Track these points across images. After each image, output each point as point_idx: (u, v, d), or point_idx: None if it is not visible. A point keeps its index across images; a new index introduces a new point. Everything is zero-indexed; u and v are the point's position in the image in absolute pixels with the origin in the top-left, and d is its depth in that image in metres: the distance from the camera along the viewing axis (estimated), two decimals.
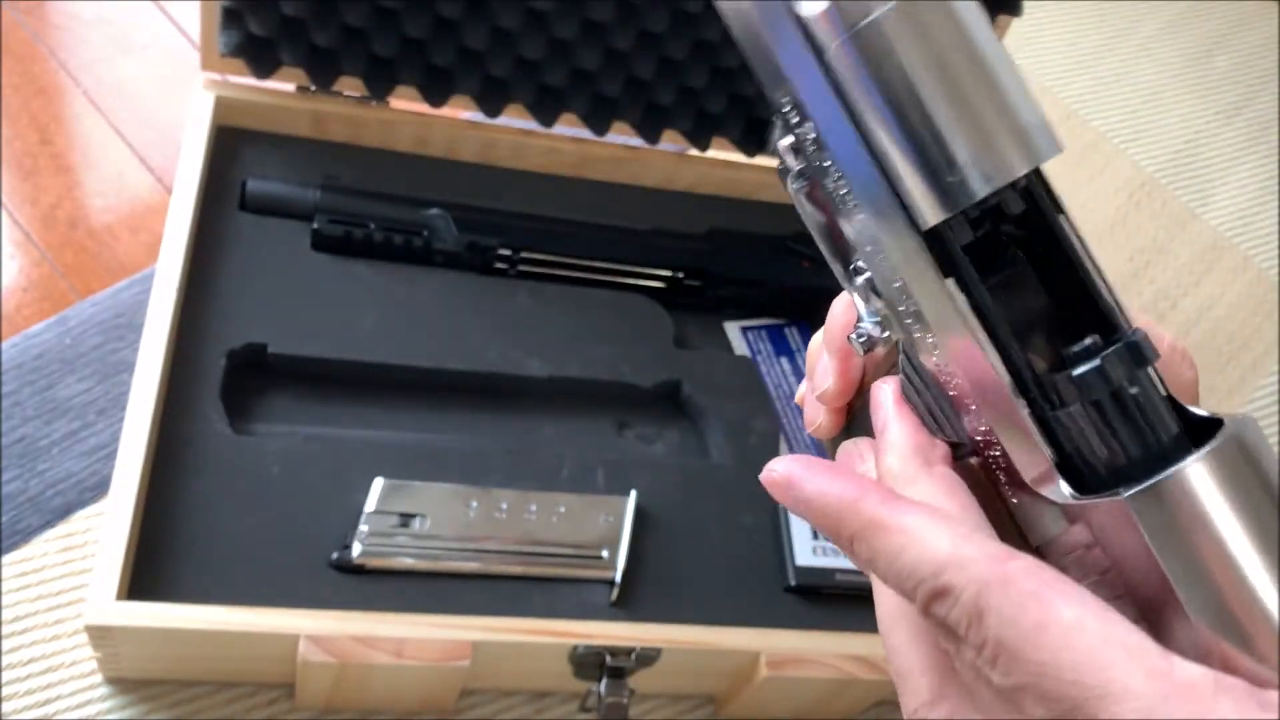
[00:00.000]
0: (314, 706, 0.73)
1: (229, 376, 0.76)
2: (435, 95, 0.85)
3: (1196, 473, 0.26)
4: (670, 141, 0.92)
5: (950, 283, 0.29)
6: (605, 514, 0.76)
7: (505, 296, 0.84)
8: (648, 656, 0.71)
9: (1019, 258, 0.30)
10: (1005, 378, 0.29)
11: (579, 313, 0.85)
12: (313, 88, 0.84)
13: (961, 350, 0.29)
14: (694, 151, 0.93)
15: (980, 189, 0.27)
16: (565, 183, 0.93)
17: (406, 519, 0.73)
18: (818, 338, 0.36)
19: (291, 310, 0.79)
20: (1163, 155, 1.32)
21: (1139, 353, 0.28)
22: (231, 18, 0.80)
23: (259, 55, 0.81)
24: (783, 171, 0.31)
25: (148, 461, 0.69)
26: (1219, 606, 0.26)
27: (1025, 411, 0.29)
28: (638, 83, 0.87)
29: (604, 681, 0.72)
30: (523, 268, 0.86)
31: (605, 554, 0.75)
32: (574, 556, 0.74)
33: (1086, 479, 0.29)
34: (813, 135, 0.30)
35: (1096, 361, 0.27)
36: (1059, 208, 0.30)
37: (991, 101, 0.27)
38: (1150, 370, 0.29)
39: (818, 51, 0.28)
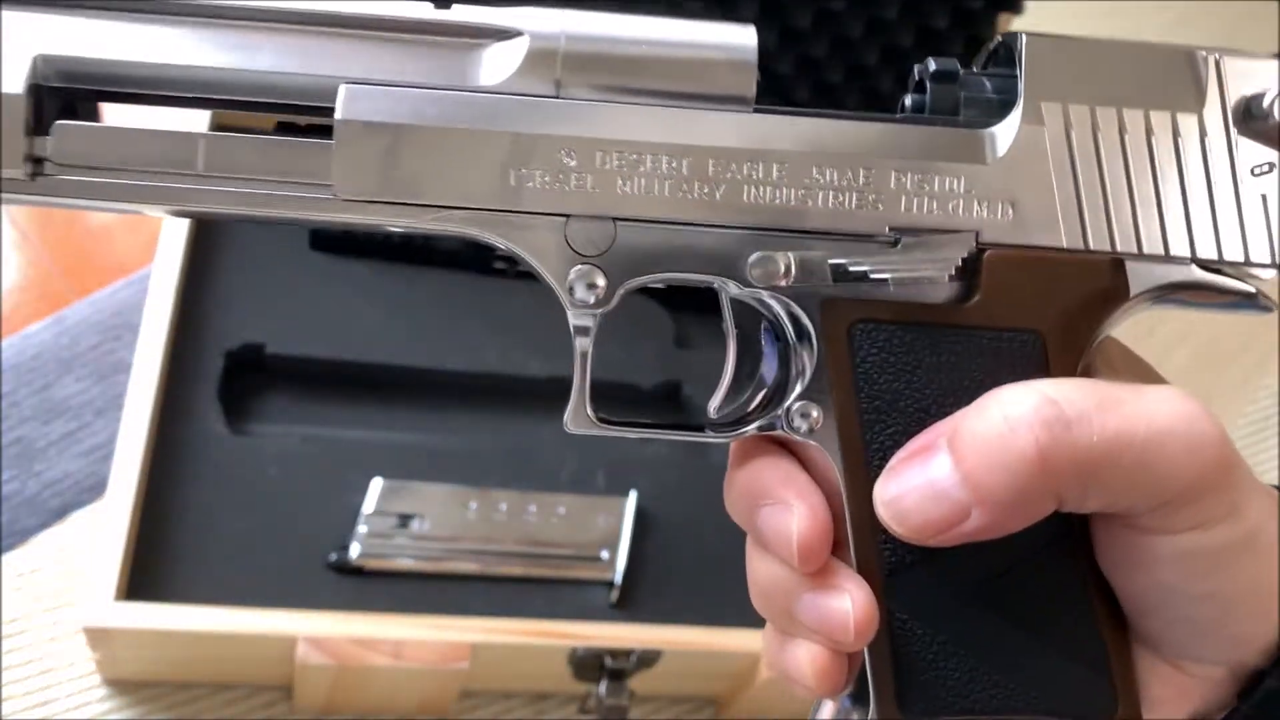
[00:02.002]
0: (312, 708, 0.73)
1: (227, 376, 0.76)
2: None
3: None
4: None
5: None
6: (605, 515, 0.76)
7: (505, 296, 0.84)
8: (648, 658, 0.70)
9: None
10: None
11: None
12: None
13: None
14: None
15: (748, 82, 0.31)
16: None
17: (405, 520, 0.72)
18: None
19: (290, 310, 0.79)
20: None
21: None
22: None
23: None
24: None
25: (145, 462, 0.68)
26: None
27: None
28: None
29: (604, 683, 0.71)
30: (523, 268, 0.85)
31: (605, 555, 0.74)
32: (574, 557, 0.74)
33: None
34: None
35: None
36: None
37: None
38: None
39: None
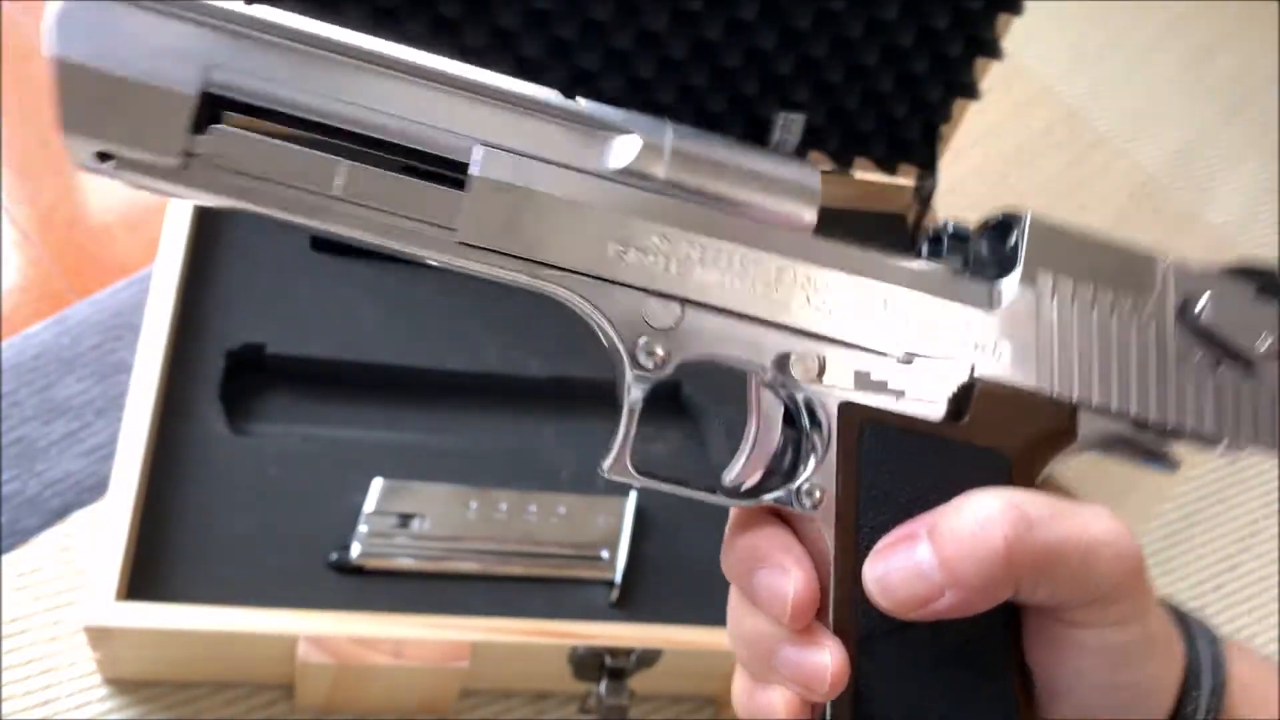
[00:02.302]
0: (313, 707, 0.73)
1: (227, 376, 0.76)
2: None
3: None
4: None
5: None
6: (605, 515, 0.76)
7: (505, 296, 0.84)
8: (648, 658, 0.71)
9: None
10: None
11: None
12: None
13: None
14: None
15: (812, 212, 0.37)
16: None
17: (406, 519, 0.73)
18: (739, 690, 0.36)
19: (290, 310, 0.79)
20: (1163, 155, 1.32)
21: None
22: None
23: None
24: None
25: (146, 462, 0.69)
26: None
27: None
28: (638, 82, 0.87)
29: (604, 683, 0.71)
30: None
31: (605, 555, 0.74)
32: (574, 557, 0.74)
33: None
34: None
35: None
36: None
37: None
38: None
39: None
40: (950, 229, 0.37)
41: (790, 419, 0.36)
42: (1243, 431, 0.38)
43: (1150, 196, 1.27)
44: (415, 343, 0.80)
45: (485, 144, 0.32)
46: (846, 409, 0.34)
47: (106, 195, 1.06)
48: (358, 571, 0.71)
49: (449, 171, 0.32)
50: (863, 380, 0.35)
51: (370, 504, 0.72)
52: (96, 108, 0.29)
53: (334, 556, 0.71)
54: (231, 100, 0.31)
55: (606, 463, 0.35)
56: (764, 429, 0.37)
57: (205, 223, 0.80)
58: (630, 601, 0.74)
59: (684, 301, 0.34)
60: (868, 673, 0.34)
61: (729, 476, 0.37)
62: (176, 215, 0.77)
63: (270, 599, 0.66)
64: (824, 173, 0.96)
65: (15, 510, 0.77)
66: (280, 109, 0.31)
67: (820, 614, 0.34)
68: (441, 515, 0.73)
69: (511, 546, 0.73)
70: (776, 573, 0.34)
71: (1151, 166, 1.30)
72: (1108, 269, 0.36)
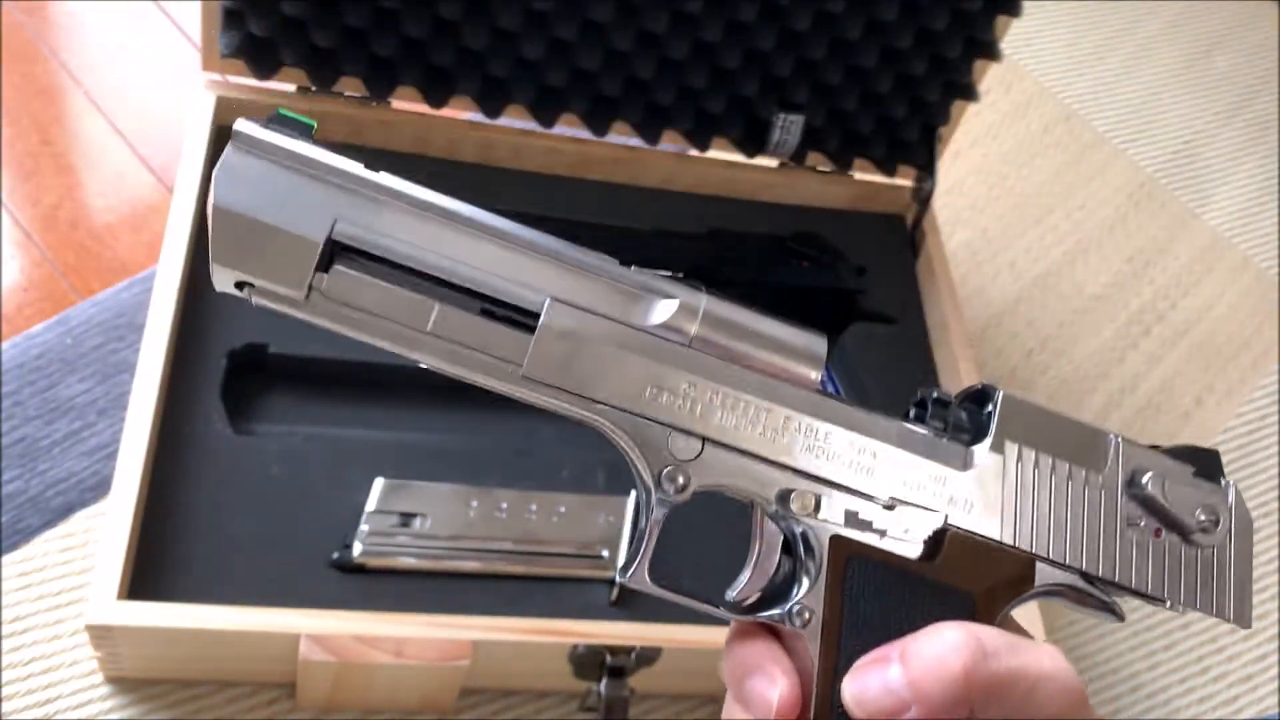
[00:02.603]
0: (314, 706, 0.73)
1: (230, 376, 0.76)
2: (435, 96, 0.85)
3: None
4: (670, 142, 0.92)
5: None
6: (605, 514, 0.76)
7: None
8: (648, 656, 0.71)
9: None
10: None
11: None
12: (313, 88, 0.84)
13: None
14: (694, 151, 0.93)
15: (817, 372, 0.41)
16: (565, 183, 0.93)
17: (407, 519, 0.73)
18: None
19: None
20: (1162, 155, 1.32)
21: None
22: (232, 18, 0.80)
23: (260, 56, 0.81)
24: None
25: (148, 461, 0.69)
26: None
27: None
28: (638, 83, 0.87)
29: (604, 681, 0.72)
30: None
31: (605, 554, 0.75)
32: (574, 556, 0.74)
33: None
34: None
35: None
36: None
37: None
38: None
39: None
40: (934, 395, 0.42)
41: (788, 547, 0.41)
42: (1182, 595, 0.42)
43: (1149, 196, 1.27)
44: None
45: (554, 298, 0.38)
46: (837, 542, 0.40)
47: (110, 196, 1.06)
48: (359, 570, 0.71)
49: (521, 318, 0.38)
50: (851, 518, 0.40)
51: (372, 503, 0.72)
52: (241, 246, 0.36)
53: (336, 555, 0.71)
54: (351, 247, 0.37)
55: (627, 574, 0.41)
56: (765, 553, 0.42)
57: (207, 224, 0.80)
58: (630, 600, 0.74)
59: (704, 439, 0.39)
60: None
61: (732, 593, 0.42)
62: (179, 215, 0.78)
63: (272, 598, 0.67)
64: (824, 173, 0.97)
65: (17, 509, 0.77)
66: (390, 257, 0.37)
67: (801, 717, 0.39)
68: (443, 515, 0.73)
69: (512, 545, 0.74)
70: (765, 681, 0.39)
71: (1150, 166, 1.30)
72: (1066, 441, 0.42)
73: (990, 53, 0.91)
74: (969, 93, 0.93)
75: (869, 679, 0.38)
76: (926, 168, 0.97)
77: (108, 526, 0.65)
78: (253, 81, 0.83)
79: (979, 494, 0.41)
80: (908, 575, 0.40)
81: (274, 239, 0.36)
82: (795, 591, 0.40)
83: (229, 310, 0.78)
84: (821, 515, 0.40)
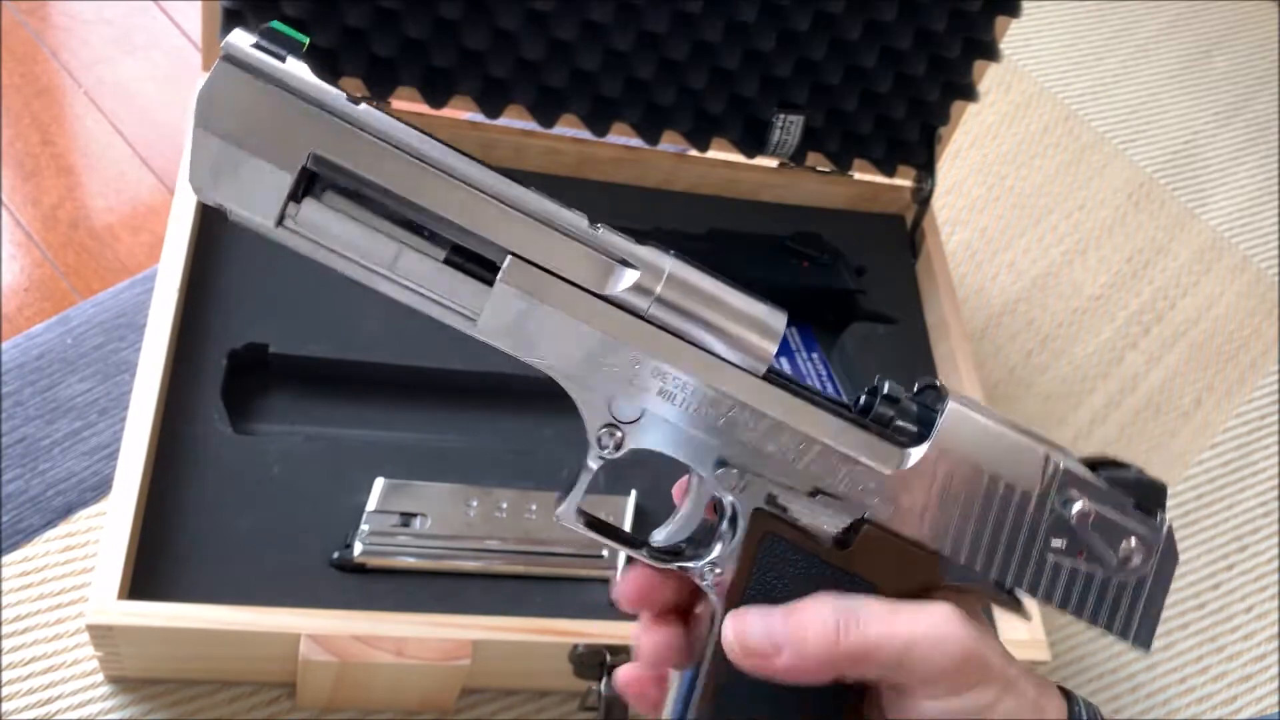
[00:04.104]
0: (315, 705, 0.73)
1: (230, 376, 0.76)
2: (436, 96, 0.85)
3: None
4: (670, 142, 0.92)
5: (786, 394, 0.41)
6: (605, 514, 0.75)
7: None
8: None
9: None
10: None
11: None
12: None
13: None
14: (694, 152, 0.93)
15: (771, 348, 0.41)
16: (565, 183, 0.93)
17: (407, 518, 0.73)
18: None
19: (293, 310, 0.79)
20: (1162, 155, 1.32)
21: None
22: (233, 19, 0.80)
23: None
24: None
25: (149, 461, 0.69)
26: None
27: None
28: (638, 83, 0.88)
29: (604, 681, 0.72)
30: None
31: (605, 553, 0.75)
32: (574, 556, 0.74)
33: None
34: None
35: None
36: None
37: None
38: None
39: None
40: (885, 391, 0.43)
41: (715, 508, 0.43)
42: (1087, 614, 0.43)
43: (1148, 196, 1.27)
44: (417, 343, 0.81)
45: (515, 255, 0.39)
46: (756, 516, 0.42)
47: (110, 196, 1.06)
48: (360, 570, 0.71)
49: (483, 270, 0.39)
50: (772, 500, 0.42)
51: (372, 503, 0.73)
52: (218, 171, 0.37)
53: (336, 555, 0.71)
54: (325, 179, 0.38)
55: (559, 510, 0.43)
56: (693, 511, 0.44)
57: (208, 223, 0.80)
58: None
59: (644, 408, 0.41)
60: (720, 716, 0.43)
61: (657, 538, 0.44)
62: (180, 216, 0.78)
63: (272, 597, 0.67)
64: (823, 173, 0.98)
65: (18, 509, 0.77)
66: (362, 194, 0.38)
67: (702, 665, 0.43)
68: (443, 514, 0.73)
69: (512, 545, 0.74)
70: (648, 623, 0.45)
71: (1150, 167, 1.30)
72: (1005, 458, 0.42)
73: (990, 53, 0.91)
74: (968, 93, 0.94)
75: (752, 619, 0.41)
76: (926, 168, 0.97)
77: (108, 526, 0.65)
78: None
79: (904, 495, 0.42)
80: (817, 560, 0.42)
81: (250, 167, 0.37)
82: (711, 551, 0.43)
83: (229, 310, 0.78)
84: (746, 492, 0.42)
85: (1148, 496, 0.43)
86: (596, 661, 0.71)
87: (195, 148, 0.37)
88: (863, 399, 0.44)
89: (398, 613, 0.67)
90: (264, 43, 0.37)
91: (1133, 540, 0.43)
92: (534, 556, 0.74)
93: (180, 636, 0.65)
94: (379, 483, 0.73)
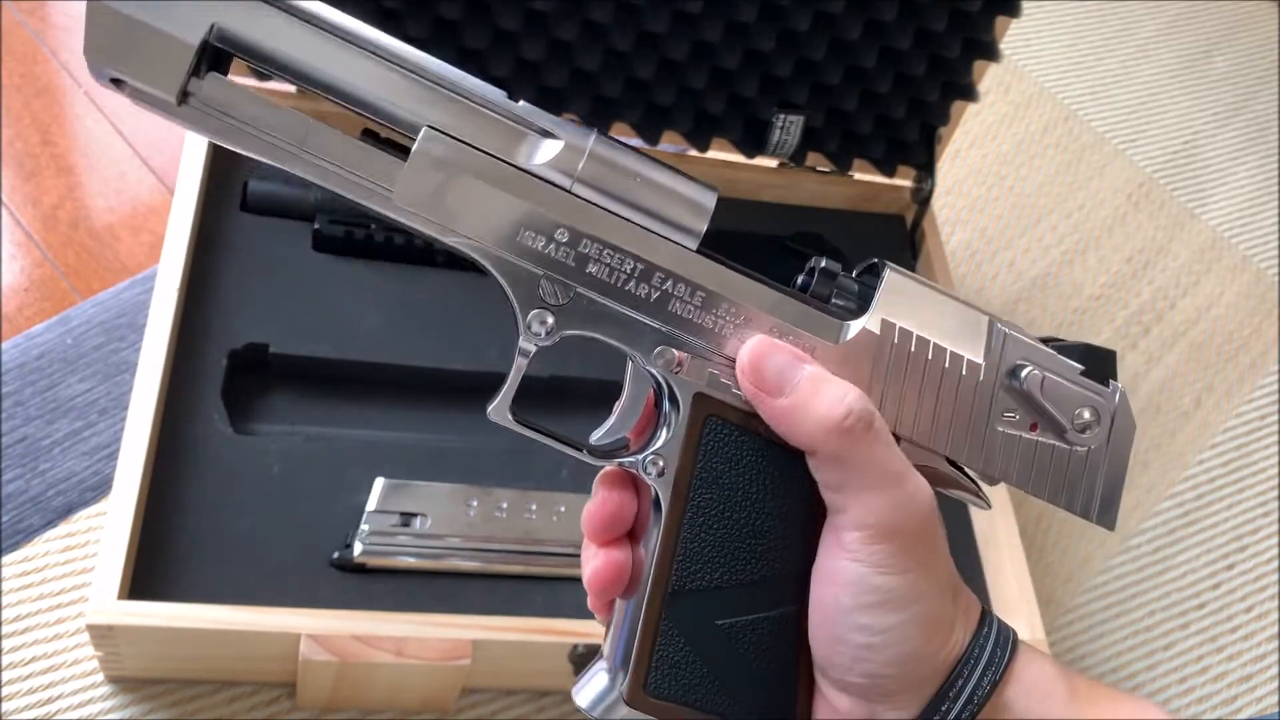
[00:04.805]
0: (315, 705, 0.73)
1: (230, 376, 0.76)
2: None
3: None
4: (670, 142, 0.92)
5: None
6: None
7: (506, 298, 0.84)
8: None
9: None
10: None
11: None
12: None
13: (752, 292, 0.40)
14: (694, 152, 0.94)
15: (701, 225, 0.40)
16: None
17: (407, 518, 0.73)
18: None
19: (293, 310, 0.79)
20: (1162, 156, 1.32)
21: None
22: None
23: None
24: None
25: (149, 461, 0.69)
26: None
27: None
28: (638, 83, 0.88)
29: None
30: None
31: None
32: (574, 555, 0.74)
33: None
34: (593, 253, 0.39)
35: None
36: None
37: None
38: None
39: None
40: (822, 265, 0.42)
41: (655, 400, 0.42)
42: (1047, 491, 0.42)
43: (1148, 196, 1.27)
44: (417, 343, 0.81)
45: (431, 125, 0.37)
46: (699, 399, 0.40)
47: (110, 196, 1.06)
48: (360, 570, 0.71)
49: (398, 143, 0.38)
50: (713, 381, 0.40)
51: (372, 503, 0.73)
52: (116, 41, 0.35)
53: (336, 555, 0.71)
54: (231, 53, 0.36)
55: (490, 406, 0.42)
56: (632, 401, 0.42)
57: (208, 224, 0.80)
58: None
59: (573, 287, 0.39)
60: (669, 622, 0.41)
61: (595, 437, 0.43)
62: (180, 216, 0.78)
63: (273, 597, 0.67)
64: (823, 173, 0.98)
65: (19, 509, 0.77)
66: (268, 67, 0.37)
67: (637, 571, 0.42)
68: (443, 514, 0.73)
69: (512, 545, 0.74)
70: (589, 551, 0.43)
71: (1149, 167, 1.30)
72: (949, 325, 0.41)
73: (990, 53, 0.91)
74: (968, 93, 0.94)
75: (779, 353, 0.39)
76: (926, 168, 0.97)
77: (108, 526, 0.65)
78: (253, 82, 0.83)
79: (847, 368, 0.40)
80: (760, 439, 0.40)
81: (149, 38, 0.35)
82: (654, 442, 0.41)
83: (229, 310, 0.78)
84: (685, 374, 0.40)
85: (1098, 364, 0.42)
86: None
87: (92, 19, 0.35)
88: (800, 279, 0.43)
89: (398, 613, 0.67)
90: None
91: (1086, 410, 0.41)
92: (534, 556, 0.74)
93: (180, 636, 0.65)
94: (379, 483, 0.73)
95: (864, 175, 0.98)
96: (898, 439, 0.40)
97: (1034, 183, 1.24)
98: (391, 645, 0.66)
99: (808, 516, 0.40)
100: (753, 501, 0.40)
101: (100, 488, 0.78)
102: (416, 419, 0.80)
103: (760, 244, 0.93)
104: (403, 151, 0.38)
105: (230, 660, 0.70)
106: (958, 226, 1.18)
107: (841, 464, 0.38)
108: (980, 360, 0.41)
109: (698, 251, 0.40)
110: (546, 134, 0.38)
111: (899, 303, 0.41)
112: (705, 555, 0.40)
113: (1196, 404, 1.12)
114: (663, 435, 0.41)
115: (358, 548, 0.71)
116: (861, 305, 0.41)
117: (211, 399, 0.74)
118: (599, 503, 0.42)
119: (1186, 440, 1.09)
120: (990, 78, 0.96)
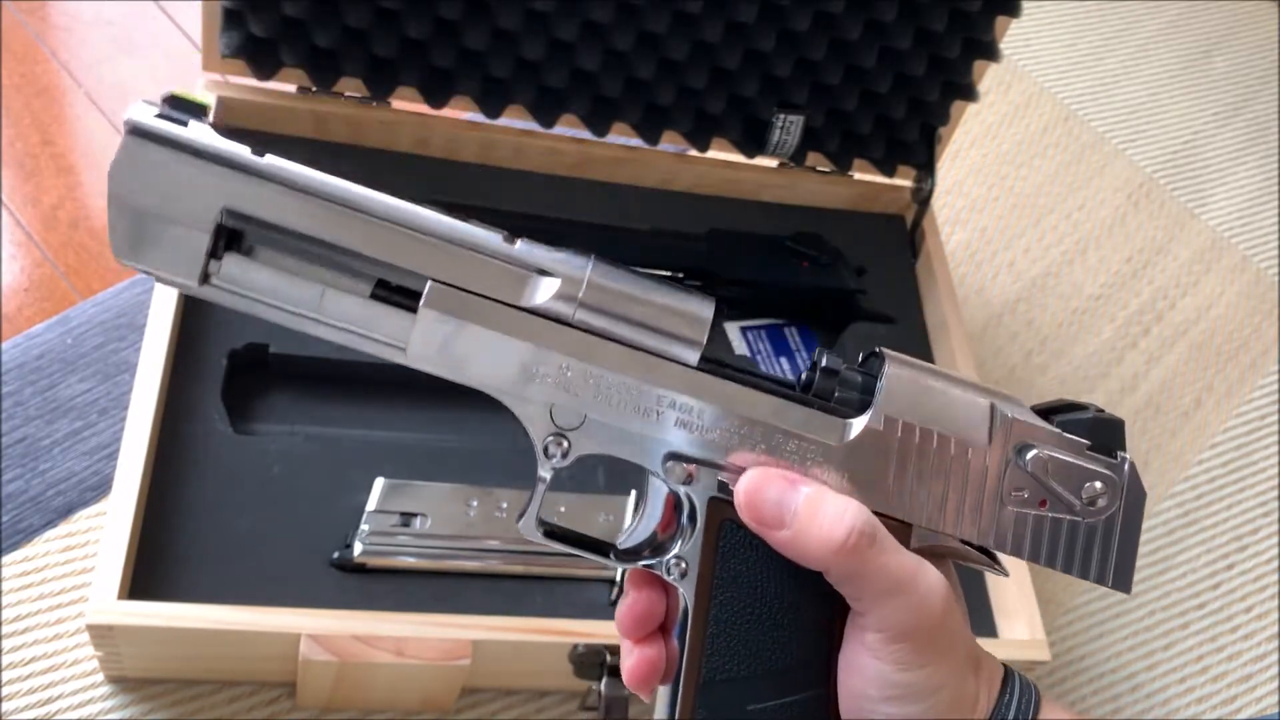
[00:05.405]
0: (315, 705, 0.73)
1: (230, 376, 0.76)
2: (436, 96, 0.85)
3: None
4: (670, 142, 0.92)
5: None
6: (605, 513, 0.76)
7: None
8: None
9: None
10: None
11: None
12: (314, 89, 0.84)
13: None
14: (694, 152, 0.94)
15: (702, 336, 0.41)
16: (565, 183, 0.93)
17: (407, 518, 0.73)
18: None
19: None
20: (1162, 155, 1.32)
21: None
22: (233, 19, 0.80)
23: (260, 56, 0.81)
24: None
25: (149, 461, 0.69)
26: None
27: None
28: (638, 83, 0.88)
29: (604, 680, 0.72)
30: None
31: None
32: (574, 556, 0.74)
33: None
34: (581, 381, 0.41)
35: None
36: None
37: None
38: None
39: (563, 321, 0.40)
40: (823, 364, 0.43)
41: (674, 504, 0.43)
42: (1060, 562, 0.43)
43: (1148, 196, 1.27)
44: None
45: (434, 280, 0.39)
46: (714, 505, 0.42)
47: None
48: (360, 570, 0.71)
49: (406, 300, 0.40)
50: (724, 488, 0.42)
51: (372, 503, 0.73)
52: (137, 239, 0.38)
53: (336, 555, 0.71)
54: (243, 233, 0.39)
55: (520, 524, 0.44)
56: (651, 509, 0.44)
57: None
58: None
59: (585, 414, 0.41)
60: (703, 712, 0.43)
61: (621, 541, 0.45)
62: None
63: (273, 597, 0.67)
64: (823, 173, 0.98)
65: (18, 509, 0.77)
66: (278, 242, 0.39)
67: (670, 665, 0.44)
68: (443, 514, 0.73)
69: (512, 545, 0.74)
70: (626, 647, 0.44)
71: (1149, 167, 1.30)
72: (951, 414, 0.42)
73: (989, 53, 0.91)
74: (968, 93, 0.94)
75: (773, 485, 0.41)
76: (926, 168, 0.97)
77: (108, 526, 0.65)
78: (253, 82, 0.83)
79: (854, 465, 0.42)
80: None
81: (168, 233, 0.38)
82: (673, 546, 0.43)
83: (230, 311, 0.78)
84: (699, 482, 0.42)
85: (1105, 436, 0.43)
86: (596, 661, 0.71)
87: (113, 220, 0.37)
88: (804, 375, 0.44)
89: (398, 613, 0.67)
90: (167, 111, 0.38)
91: (1096, 483, 0.42)
92: (534, 556, 0.74)
93: (180, 636, 0.65)
94: (379, 483, 0.73)
95: (864, 175, 0.98)
96: (908, 526, 0.42)
97: (1034, 183, 1.24)
98: (391, 645, 0.66)
99: (828, 604, 0.42)
100: (773, 596, 0.42)
101: (100, 488, 0.78)
102: (416, 419, 0.80)
103: (760, 244, 0.93)
104: (414, 298, 0.40)
105: (230, 660, 0.70)
106: (958, 226, 1.18)
107: (852, 580, 0.40)
108: (985, 445, 0.42)
109: (700, 365, 0.41)
110: (544, 271, 0.40)
111: (900, 397, 0.42)
112: (732, 649, 0.42)
113: (1196, 404, 1.12)
114: (681, 540, 0.43)
115: (358, 548, 0.71)
116: (864, 397, 0.43)
117: (211, 399, 0.74)
118: (630, 603, 0.44)
119: (1186, 440, 1.09)
120: (990, 78, 0.96)
